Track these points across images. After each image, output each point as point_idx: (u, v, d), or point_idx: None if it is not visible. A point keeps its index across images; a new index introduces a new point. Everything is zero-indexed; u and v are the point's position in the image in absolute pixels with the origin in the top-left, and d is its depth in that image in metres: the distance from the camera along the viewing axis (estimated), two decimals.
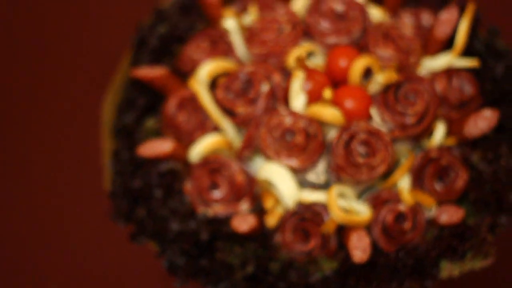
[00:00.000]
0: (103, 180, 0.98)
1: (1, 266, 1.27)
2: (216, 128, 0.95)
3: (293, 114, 0.91)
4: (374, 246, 0.91)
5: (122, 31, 1.10)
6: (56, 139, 1.35)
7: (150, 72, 0.96)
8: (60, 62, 1.39)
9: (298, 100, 0.92)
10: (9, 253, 1.28)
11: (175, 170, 0.94)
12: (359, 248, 0.88)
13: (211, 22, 1.01)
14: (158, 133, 0.98)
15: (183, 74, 0.99)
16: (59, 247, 1.28)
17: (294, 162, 0.90)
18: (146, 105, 0.99)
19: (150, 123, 0.99)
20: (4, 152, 1.34)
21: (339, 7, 0.96)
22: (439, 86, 0.95)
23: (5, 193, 1.31)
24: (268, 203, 0.91)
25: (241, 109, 0.93)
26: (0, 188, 1.31)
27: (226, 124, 0.94)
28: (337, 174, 0.91)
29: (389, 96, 0.92)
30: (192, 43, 0.99)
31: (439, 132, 0.94)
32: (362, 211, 0.91)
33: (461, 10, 0.97)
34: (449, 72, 0.96)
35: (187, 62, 0.98)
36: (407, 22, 0.98)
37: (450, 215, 0.91)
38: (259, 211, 0.92)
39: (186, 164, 0.95)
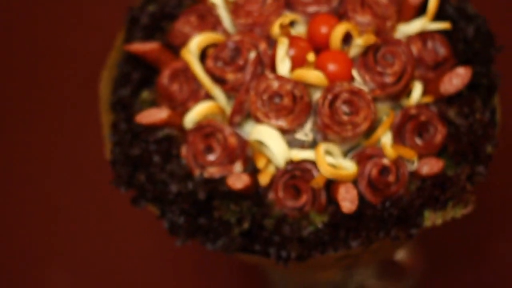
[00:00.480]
0: (104, 151, 1.03)
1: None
2: (208, 97, 1.00)
3: (280, 78, 0.97)
4: (361, 199, 0.96)
5: (118, 14, 1.16)
6: (57, 117, 1.41)
7: (143, 46, 1.02)
8: (58, 45, 1.45)
9: (283, 65, 0.98)
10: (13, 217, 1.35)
11: (171, 137, 1.00)
12: (347, 199, 0.94)
13: None
14: (153, 104, 1.03)
15: (175, 49, 1.04)
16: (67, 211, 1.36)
17: (283, 123, 0.96)
18: (140, 79, 1.05)
19: (145, 94, 1.04)
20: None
21: None
22: (415, 49, 1.01)
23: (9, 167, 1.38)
24: (260, 163, 0.96)
25: (231, 76, 0.98)
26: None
27: (217, 91, 0.99)
28: (323, 133, 0.96)
29: (368, 58, 0.98)
30: (182, 18, 1.04)
31: (417, 91, 1.00)
32: (348, 166, 0.96)
33: None
34: (423, 35, 1.02)
35: (177, 36, 1.04)
36: None
37: (431, 166, 0.96)
38: (252, 171, 0.98)
39: (182, 130, 1.00)
